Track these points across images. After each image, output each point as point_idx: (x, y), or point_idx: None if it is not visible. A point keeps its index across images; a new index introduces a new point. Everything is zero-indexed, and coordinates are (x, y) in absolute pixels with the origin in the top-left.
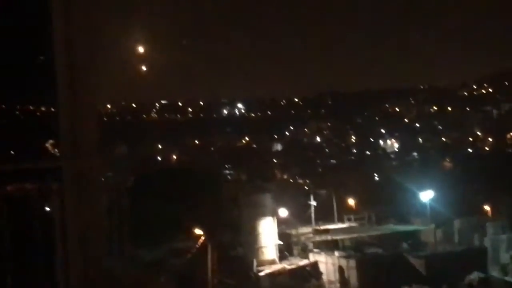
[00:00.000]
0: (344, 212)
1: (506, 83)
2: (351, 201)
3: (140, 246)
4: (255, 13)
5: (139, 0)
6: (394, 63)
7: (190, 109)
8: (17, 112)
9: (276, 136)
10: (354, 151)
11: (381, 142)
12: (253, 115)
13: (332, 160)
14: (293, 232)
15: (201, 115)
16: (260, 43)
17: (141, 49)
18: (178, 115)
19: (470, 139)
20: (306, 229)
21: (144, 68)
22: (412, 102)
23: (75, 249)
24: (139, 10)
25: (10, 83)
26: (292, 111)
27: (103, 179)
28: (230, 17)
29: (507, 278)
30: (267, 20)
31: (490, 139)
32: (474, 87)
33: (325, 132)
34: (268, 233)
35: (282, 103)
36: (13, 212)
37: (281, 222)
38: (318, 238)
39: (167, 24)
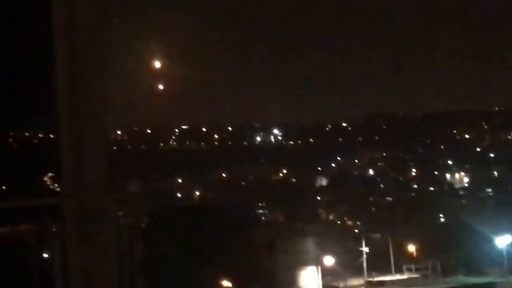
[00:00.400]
0: (403, 261)
1: None
2: (411, 248)
3: None
4: (294, 27)
5: (155, 8)
6: (463, 81)
7: (216, 136)
8: (10, 140)
9: (320, 169)
10: (415, 186)
11: (447, 175)
12: (292, 143)
13: (388, 198)
14: (341, 284)
15: (230, 142)
16: (301, 58)
17: (158, 64)
18: (202, 143)
19: None
20: (356, 281)
21: (161, 87)
22: (486, 127)
23: None
24: (157, 20)
25: (1, 106)
26: (340, 139)
27: (112, 220)
28: (266, 30)
29: None
30: (309, 33)
31: None
32: None
33: (379, 163)
34: (310, 286)
35: (327, 128)
36: (6, 257)
37: (326, 273)
38: None
39: (189, 35)
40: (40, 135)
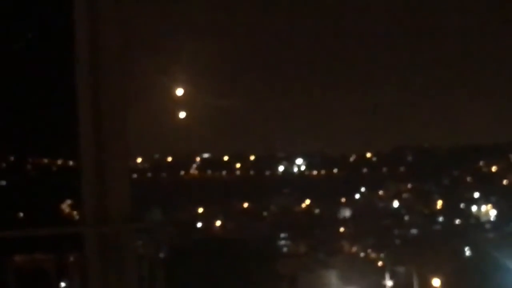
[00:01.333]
0: None
1: None
2: (436, 282)
3: None
4: (320, 58)
5: (180, 35)
6: (490, 113)
7: (238, 165)
8: (28, 166)
9: (343, 200)
10: (441, 219)
11: (474, 208)
12: (315, 173)
13: (412, 230)
14: None
15: (252, 172)
16: (326, 86)
17: (179, 92)
18: (224, 172)
19: None
20: None
21: (183, 114)
22: None
23: None
24: (181, 47)
25: (20, 131)
26: (364, 169)
27: (133, 249)
28: (291, 60)
29: None
30: (336, 64)
31: None
32: None
33: (404, 195)
34: None
35: (351, 159)
36: (24, 287)
37: None
38: None
39: (213, 63)
40: (58, 162)
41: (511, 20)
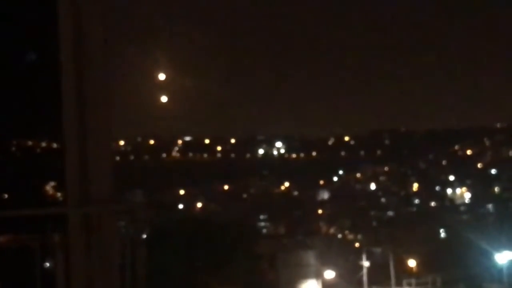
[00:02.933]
0: (403, 275)
1: None
2: (411, 262)
3: None
4: (299, 42)
5: (161, 20)
6: (466, 97)
7: (219, 148)
8: (12, 148)
9: (322, 182)
10: (416, 201)
11: (449, 191)
12: (294, 156)
13: (389, 212)
14: None
15: (232, 155)
16: (305, 71)
17: (162, 76)
18: (205, 155)
19: None
20: None
21: (165, 98)
22: (487, 144)
23: None
24: (162, 31)
25: (4, 113)
26: (342, 153)
27: (115, 230)
28: (271, 44)
29: None
30: (314, 48)
31: None
32: None
33: (381, 178)
34: None
35: (329, 142)
36: (8, 266)
37: (327, 286)
38: None
39: (195, 48)
40: (42, 144)
41: (483, 11)
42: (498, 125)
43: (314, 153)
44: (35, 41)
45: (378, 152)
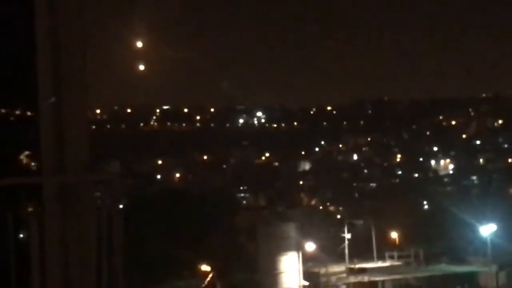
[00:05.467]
0: (385, 248)
1: None
2: (394, 235)
3: (135, 284)
4: (281, 9)
5: None
6: (450, 66)
7: (198, 117)
8: None
9: (303, 153)
10: (399, 173)
11: (432, 162)
12: (275, 126)
13: (371, 184)
14: (322, 270)
15: (212, 124)
16: (286, 40)
17: (139, 44)
18: (183, 124)
19: None
20: (338, 268)
21: (142, 66)
22: (472, 114)
23: (57, 286)
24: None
25: None
26: (324, 123)
27: (91, 200)
28: (252, 12)
29: None
30: (297, 16)
31: None
32: None
33: (364, 149)
34: (291, 272)
35: (311, 112)
36: None
37: (307, 259)
38: (352, 279)
39: (173, 15)
40: (16, 112)
41: None
42: (484, 95)
43: (295, 123)
44: (10, 8)
45: (361, 122)
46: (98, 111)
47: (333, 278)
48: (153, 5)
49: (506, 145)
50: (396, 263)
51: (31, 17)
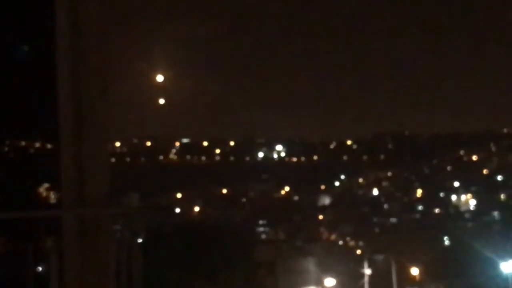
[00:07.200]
0: (405, 284)
1: None
2: (414, 271)
3: None
4: (301, 43)
5: (159, 21)
6: (471, 101)
7: (217, 151)
8: (6, 148)
9: (323, 187)
10: (420, 208)
11: (453, 197)
12: (295, 160)
13: (392, 219)
14: None
15: (231, 158)
16: (307, 73)
17: (160, 78)
18: (203, 158)
19: None
20: None
21: (162, 100)
22: (493, 149)
23: None
24: (160, 32)
25: None
26: (344, 157)
27: (111, 234)
28: (272, 46)
29: None
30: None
31: None
32: None
33: (384, 183)
34: None
35: (331, 146)
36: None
37: None
38: None
39: (193, 48)
40: (36, 145)
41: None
42: (505, 130)
43: (315, 157)
44: (29, 39)
45: (381, 156)
46: (118, 144)
47: None
48: (173, 39)
49: None
50: None
51: (53, 55)
